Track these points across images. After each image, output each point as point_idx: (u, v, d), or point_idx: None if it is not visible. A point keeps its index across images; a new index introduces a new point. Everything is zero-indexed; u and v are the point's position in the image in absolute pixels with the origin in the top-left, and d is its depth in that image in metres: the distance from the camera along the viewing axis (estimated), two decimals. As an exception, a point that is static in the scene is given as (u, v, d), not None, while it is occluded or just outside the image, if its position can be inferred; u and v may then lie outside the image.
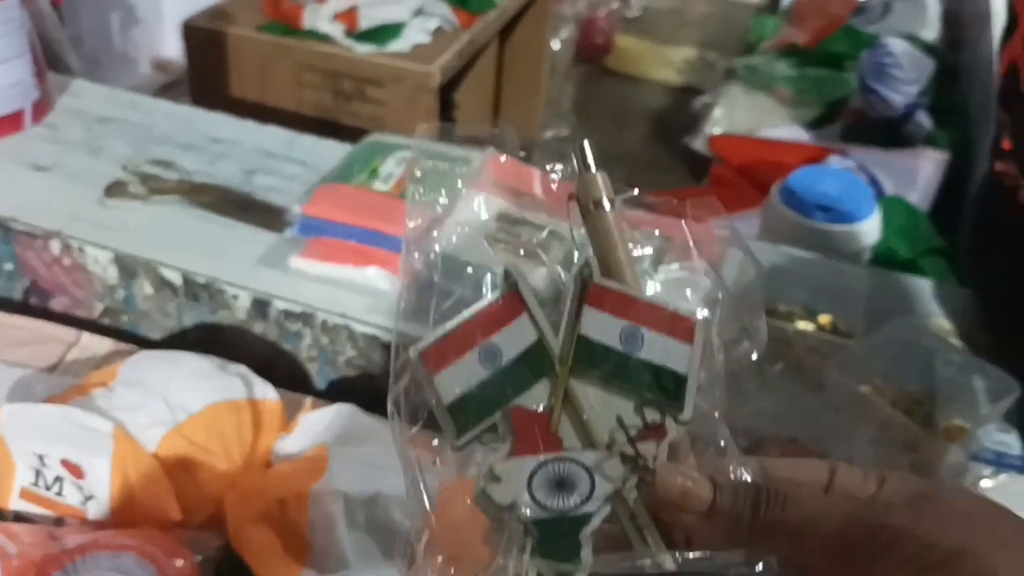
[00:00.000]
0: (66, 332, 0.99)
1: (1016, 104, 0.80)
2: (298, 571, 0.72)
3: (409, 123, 1.54)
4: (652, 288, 0.41)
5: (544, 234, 1.01)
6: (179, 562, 0.70)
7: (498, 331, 0.37)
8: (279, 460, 0.81)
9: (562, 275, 0.39)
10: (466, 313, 0.37)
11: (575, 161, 0.40)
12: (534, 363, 0.37)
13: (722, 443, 0.37)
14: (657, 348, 0.37)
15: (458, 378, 0.36)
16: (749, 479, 0.36)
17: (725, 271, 1.03)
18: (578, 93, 2.57)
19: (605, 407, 0.36)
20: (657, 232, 1.06)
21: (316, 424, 0.82)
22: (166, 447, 0.74)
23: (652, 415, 0.36)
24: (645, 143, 2.46)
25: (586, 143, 0.40)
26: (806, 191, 1.27)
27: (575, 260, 0.39)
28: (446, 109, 1.82)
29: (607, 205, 0.39)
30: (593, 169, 0.40)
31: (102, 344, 0.98)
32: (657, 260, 1.00)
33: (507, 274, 0.38)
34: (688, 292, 0.96)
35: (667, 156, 2.30)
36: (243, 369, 0.85)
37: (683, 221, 1.17)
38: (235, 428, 0.78)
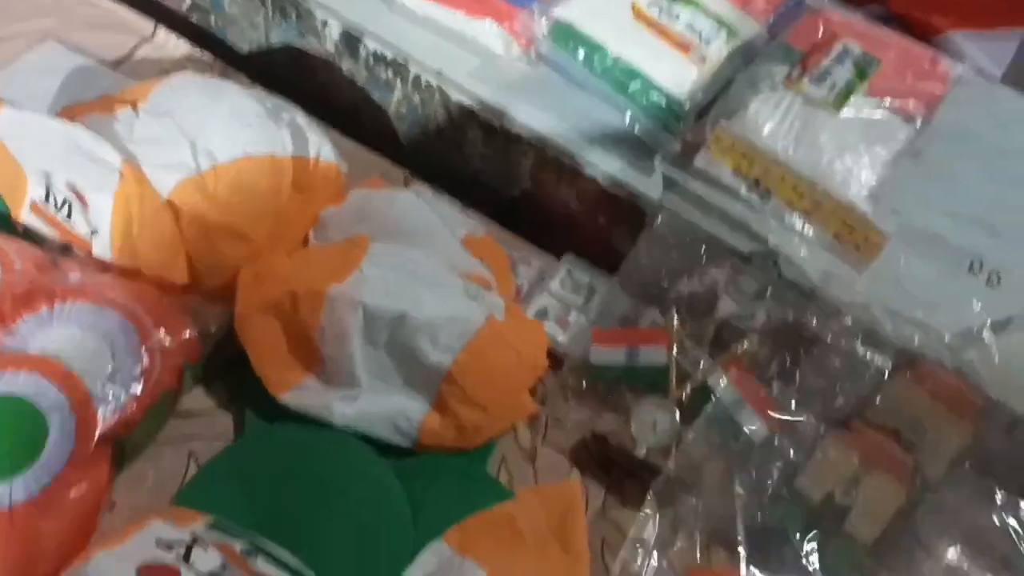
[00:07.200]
0: (143, 24, 0.87)
1: None
2: (300, 377, 0.61)
3: None
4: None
5: (708, 20, 0.78)
6: (166, 339, 0.60)
7: None
8: (320, 235, 0.68)
9: None
10: None
11: None
12: None
13: None
14: None
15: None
16: None
17: (939, 117, 0.77)
18: None
19: None
20: (861, 48, 0.78)
21: (368, 203, 0.68)
22: (180, 196, 0.62)
23: None
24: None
25: None
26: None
27: None
28: None
29: None
30: None
31: (177, 45, 0.85)
32: (847, 90, 0.75)
33: None
34: (870, 144, 0.71)
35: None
36: (300, 118, 0.70)
37: (902, 42, 0.83)
38: (269, 190, 0.65)
